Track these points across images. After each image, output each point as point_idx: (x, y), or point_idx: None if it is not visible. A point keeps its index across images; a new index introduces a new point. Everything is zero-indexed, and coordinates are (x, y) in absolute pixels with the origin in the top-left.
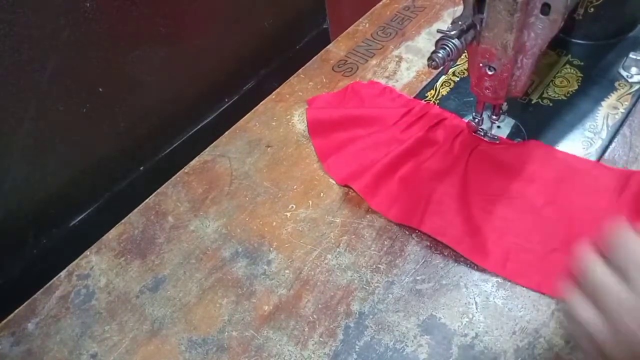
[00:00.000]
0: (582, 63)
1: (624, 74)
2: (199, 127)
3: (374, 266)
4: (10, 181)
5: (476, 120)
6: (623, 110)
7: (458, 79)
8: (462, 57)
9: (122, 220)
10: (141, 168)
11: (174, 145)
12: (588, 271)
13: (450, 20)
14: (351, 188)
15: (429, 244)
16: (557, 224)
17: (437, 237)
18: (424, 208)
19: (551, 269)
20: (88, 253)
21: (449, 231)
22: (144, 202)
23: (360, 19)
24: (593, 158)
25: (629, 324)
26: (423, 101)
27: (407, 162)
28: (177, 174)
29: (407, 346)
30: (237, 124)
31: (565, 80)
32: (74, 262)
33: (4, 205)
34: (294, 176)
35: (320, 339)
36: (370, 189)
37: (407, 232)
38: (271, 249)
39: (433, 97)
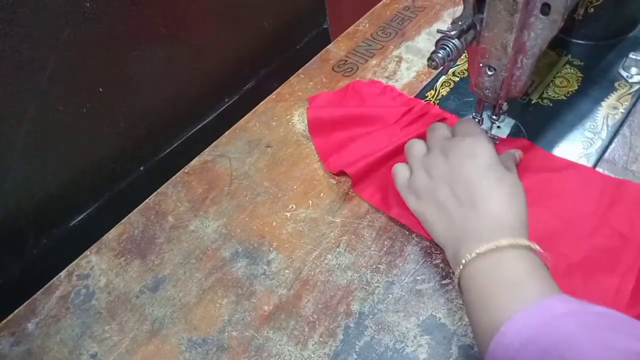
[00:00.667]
0: (582, 63)
1: (624, 74)
2: (199, 127)
3: (374, 266)
4: (10, 181)
5: (476, 120)
6: (623, 111)
7: (458, 79)
8: (462, 57)
9: (122, 220)
10: (141, 168)
11: (174, 145)
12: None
13: (450, 20)
14: (351, 188)
15: (429, 244)
16: (535, 225)
17: (414, 228)
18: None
19: None
20: (88, 253)
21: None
22: (144, 202)
23: (360, 19)
24: (593, 158)
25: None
26: (423, 101)
27: (401, 154)
28: (177, 174)
29: (407, 346)
30: (237, 124)
31: (565, 80)
32: (74, 262)
33: (4, 205)
34: (294, 176)
35: (320, 339)
36: (360, 175)
37: (407, 232)
38: (271, 249)
39: (433, 97)
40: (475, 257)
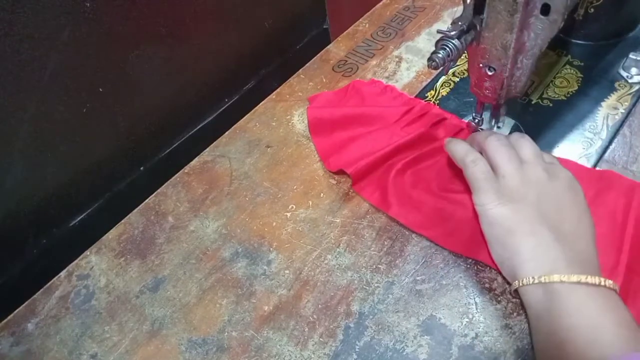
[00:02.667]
0: (582, 63)
1: (624, 74)
2: (199, 127)
3: (374, 266)
4: (10, 181)
5: (476, 120)
6: (623, 111)
7: (458, 79)
8: (462, 57)
9: (122, 220)
10: (141, 168)
11: (174, 145)
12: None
13: (450, 21)
14: (351, 188)
15: (429, 244)
16: None
17: (413, 228)
18: (401, 195)
19: None
20: (88, 253)
21: (420, 220)
22: (144, 202)
23: (360, 19)
24: (593, 158)
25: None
26: (423, 101)
27: (401, 153)
28: (177, 174)
29: (407, 346)
30: (237, 124)
31: (565, 80)
32: (74, 262)
33: (4, 205)
34: (294, 176)
35: (320, 339)
36: (360, 174)
37: (407, 232)
38: (271, 249)
39: (433, 97)
40: (571, 283)
